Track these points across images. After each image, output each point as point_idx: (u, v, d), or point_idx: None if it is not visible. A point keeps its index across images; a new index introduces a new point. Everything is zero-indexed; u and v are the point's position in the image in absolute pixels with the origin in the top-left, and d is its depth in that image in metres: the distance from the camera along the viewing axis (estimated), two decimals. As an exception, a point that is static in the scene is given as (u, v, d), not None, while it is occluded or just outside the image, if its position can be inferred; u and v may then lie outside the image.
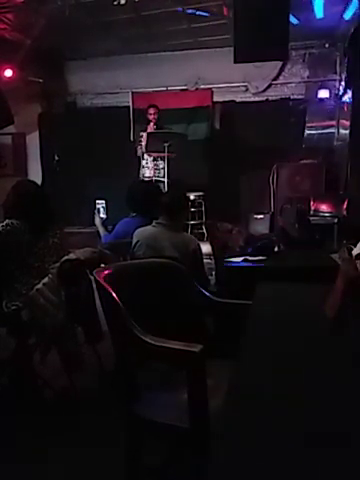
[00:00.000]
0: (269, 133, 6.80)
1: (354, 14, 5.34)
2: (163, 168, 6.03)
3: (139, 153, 6.01)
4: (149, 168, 5.96)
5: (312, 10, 5.48)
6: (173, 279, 1.98)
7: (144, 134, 5.95)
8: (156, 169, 6.03)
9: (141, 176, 6.02)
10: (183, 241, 2.70)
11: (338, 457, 0.80)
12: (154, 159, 6.01)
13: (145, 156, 5.98)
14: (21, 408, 2.48)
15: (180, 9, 5.48)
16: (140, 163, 6.07)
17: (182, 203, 2.93)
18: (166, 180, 5.84)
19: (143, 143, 5.92)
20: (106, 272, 1.70)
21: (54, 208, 2.87)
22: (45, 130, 7.71)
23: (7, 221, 2.55)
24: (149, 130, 5.86)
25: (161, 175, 6.00)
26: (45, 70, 7.28)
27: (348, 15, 5.51)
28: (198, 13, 5.61)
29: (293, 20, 5.50)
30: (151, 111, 5.97)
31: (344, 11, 5.51)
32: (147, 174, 5.96)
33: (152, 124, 5.87)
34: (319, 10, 5.55)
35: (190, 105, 7.38)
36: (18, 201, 2.64)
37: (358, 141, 5.61)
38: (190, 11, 5.55)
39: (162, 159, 6.01)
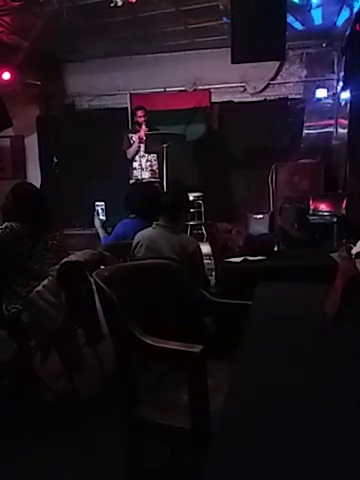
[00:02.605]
0: (267, 133, 6.79)
1: (351, 13, 5.35)
2: (155, 169, 6.02)
3: (130, 156, 5.98)
4: (142, 169, 5.94)
5: (309, 10, 5.49)
6: (173, 280, 1.98)
7: (134, 136, 5.93)
8: (150, 170, 6.01)
9: (133, 178, 5.99)
10: (182, 243, 2.69)
11: (338, 457, 0.80)
12: (147, 160, 5.99)
13: (136, 158, 5.96)
14: (22, 410, 2.48)
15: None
16: (131, 165, 6.04)
17: (182, 205, 2.91)
18: (164, 181, 5.82)
19: (135, 145, 5.90)
20: (106, 273, 1.70)
21: (53, 210, 2.88)
22: (43, 132, 7.71)
23: (6, 224, 2.55)
24: (142, 132, 5.82)
25: (156, 176, 5.99)
26: (43, 72, 7.28)
27: (345, 15, 5.52)
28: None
29: (297, 25, 5.53)
30: (139, 113, 5.90)
31: (341, 11, 5.52)
32: (139, 176, 5.93)
33: (143, 126, 5.83)
34: (317, 17, 5.58)
35: (188, 106, 7.38)
36: (17, 204, 2.65)
37: (356, 140, 5.62)
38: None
39: (155, 160, 6.00)
